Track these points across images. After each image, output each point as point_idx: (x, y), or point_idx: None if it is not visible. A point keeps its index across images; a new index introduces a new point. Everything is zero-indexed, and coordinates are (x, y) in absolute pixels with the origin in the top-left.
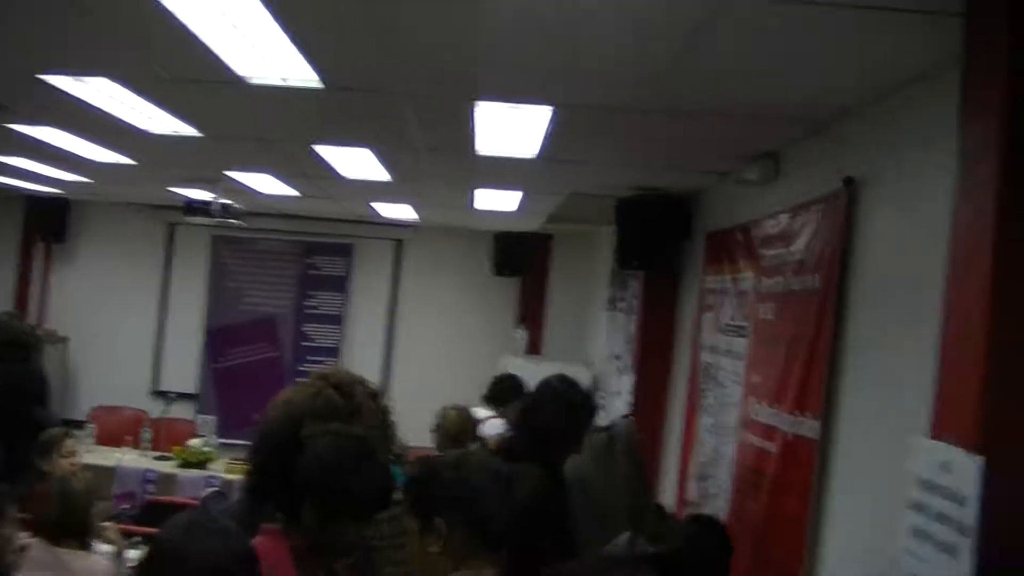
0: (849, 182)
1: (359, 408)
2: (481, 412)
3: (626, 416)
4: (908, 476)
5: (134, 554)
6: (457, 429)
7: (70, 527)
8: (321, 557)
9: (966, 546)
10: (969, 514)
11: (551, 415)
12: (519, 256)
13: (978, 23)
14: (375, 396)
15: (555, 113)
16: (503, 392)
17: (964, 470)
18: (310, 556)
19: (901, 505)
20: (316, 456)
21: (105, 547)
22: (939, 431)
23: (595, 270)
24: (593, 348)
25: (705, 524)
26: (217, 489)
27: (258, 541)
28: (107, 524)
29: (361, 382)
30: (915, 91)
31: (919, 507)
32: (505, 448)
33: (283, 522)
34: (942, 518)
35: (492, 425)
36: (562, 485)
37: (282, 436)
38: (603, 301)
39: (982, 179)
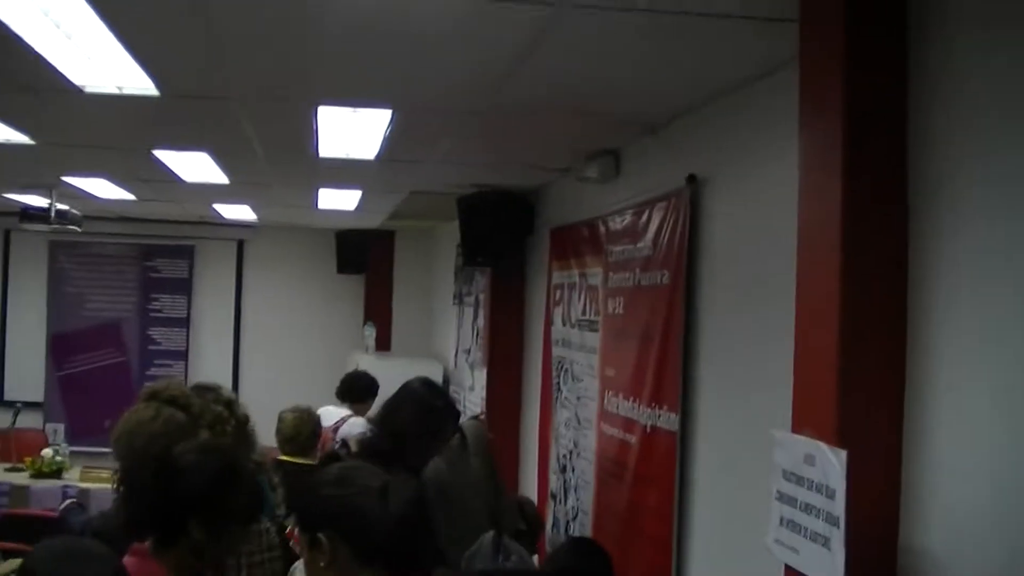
0: (692, 179)
1: (200, 417)
2: (335, 411)
3: (475, 417)
4: (773, 468)
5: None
6: (293, 432)
7: None
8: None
9: (837, 537)
10: (838, 506)
11: (410, 417)
12: (362, 253)
13: (812, 29)
14: (230, 404)
15: (394, 116)
16: (355, 390)
17: (828, 463)
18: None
19: (766, 495)
20: (196, 472)
21: None
22: (800, 425)
23: (439, 265)
24: (442, 343)
25: (585, 552)
26: (75, 501)
27: (129, 562)
28: None
29: (214, 389)
30: (752, 90)
31: (786, 499)
32: (366, 449)
33: (156, 542)
34: (810, 509)
35: (353, 424)
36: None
37: (139, 470)
38: (449, 296)
39: (824, 179)
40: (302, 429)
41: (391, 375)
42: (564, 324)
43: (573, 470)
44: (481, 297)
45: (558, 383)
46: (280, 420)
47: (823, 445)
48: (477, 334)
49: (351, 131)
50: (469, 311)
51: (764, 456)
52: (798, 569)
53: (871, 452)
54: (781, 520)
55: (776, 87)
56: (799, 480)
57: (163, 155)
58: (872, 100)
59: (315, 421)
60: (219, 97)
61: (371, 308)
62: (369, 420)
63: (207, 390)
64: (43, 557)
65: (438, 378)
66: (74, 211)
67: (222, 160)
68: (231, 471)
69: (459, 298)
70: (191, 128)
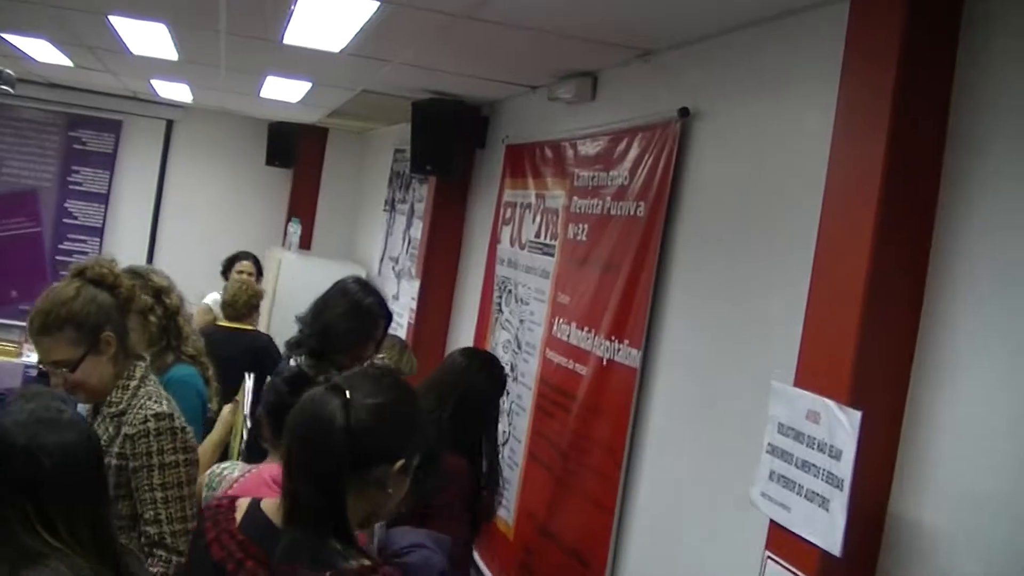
0: (684, 112)
1: (130, 301)
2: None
3: (403, 345)
4: (769, 420)
5: None
6: (231, 298)
7: None
8: None
9: (839, 499)
10: (844, 467)
11: (340, 313)
12: (293, 148)
13: None
14: (159, 292)
15: (380, 8)
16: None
17: (836, 422)
18: None
19: (729, 442)
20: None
21: None
22: (805, 380)
23: (372, 169)
24: (366, 248)
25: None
26: None
27: None
28: None
29: (142, 275)
30: (761, 29)
31: (780, 453)
32: (295, 344)
33: None
34: (808, 467)
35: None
36: None
37: None
38: (380, 202)
39: (866, 129)
40: (239, 296)
41: (313, 275)
42: (512, 244)
43: (507, 394)
44: (418, 206)
45: (499, 303)
46: (224, 289)
47: (832, 403)
48: (409, 243)
49: (326, 20)
50: (401, 219)
51: (733, 404)
52: (787, 527)
53: (877, 415)
54: (771, 474)
55: (790, 28)
56: (798, 436)
57: (118, 21)
58: (925, 52)
59: (255, 292)
60: None
61: (296, 205)
62: (299, 317)
63: (135, 275)
64: (7, 425)
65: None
66: (8, 71)
67: (178, 34)
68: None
69: (391, 204)
70: None
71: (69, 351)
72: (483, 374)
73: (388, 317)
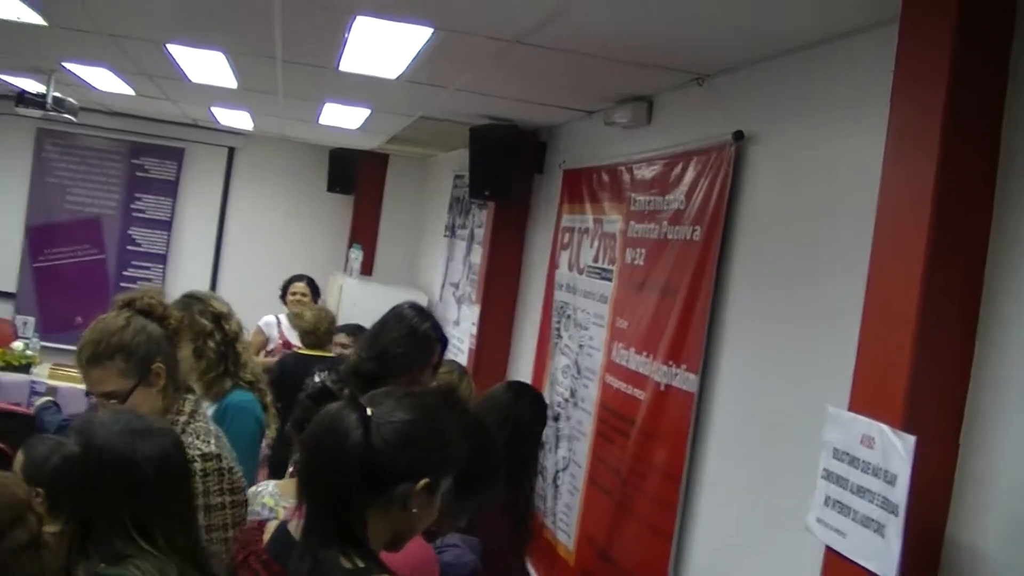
0: (739, 135)
1: (179, 333)
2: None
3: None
4: (824, 445)
5: None
6: (311, 326)
7: None
8: None
9: (895, 524)
10: (899, 492)
11: (395, 338)
12: (354, 174)
13: None
14: (219, 318)
15: (434, 35)
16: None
17: (891, 447)
18: None
19: (789, 468)
20: None
21: None
22: (860, 404)
23: (432, 195)
24: (428, 274)
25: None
26: (51, 400)
27: None
28: None
29: (203, 300)
30: (814, 52)
31: (835, 478)
32: (351, 370)
33: None
34: (863, 492)
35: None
36: None
37: None
38: (440, 227)
39: (917, 152)
40: (320, 324)
41: (374, 301)
42: (571, 269)
43: (568, 419)
44: (477, 232)
45: (558, 328)
46: (300, 316)
47: (886, 428)
48: (469, 269)
49: (382, 47)
50: (462, 244)
51: (792, 427)
52: (843, 553)
53: (931, 440)
54: (827, 500)
55: (843, 51)
56: (853, 461)
57: (176, 50)
58: (976, 73)
59: (331, 319)
60: None
61: (357, 230)
62: (356, 343)
63: (196, 300)
64: (104, 435)
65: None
66: (71, 100)
67: (236, 62)
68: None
69: (451, 230)
70: (217, 24)
71: (119, 382)
72: (531, 409)
73: (444, 342)
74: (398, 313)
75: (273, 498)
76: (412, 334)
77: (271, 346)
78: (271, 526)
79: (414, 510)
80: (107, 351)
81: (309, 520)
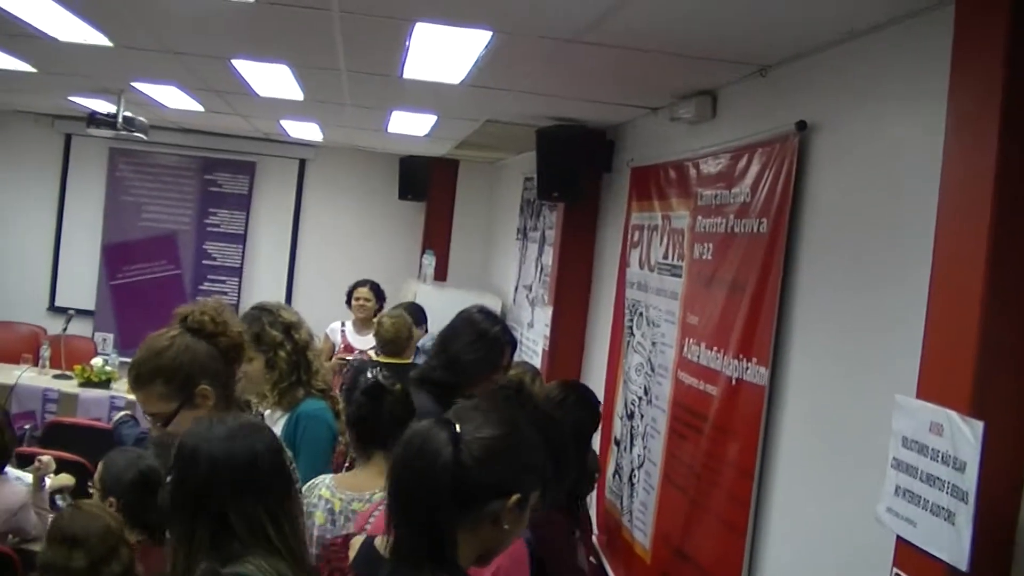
0: (801, 125)
1: (231, 350)
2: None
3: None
4: (893, 434)
5: (53, 481)
6: (392, 335)
7: None
8: None
9: (965, 512)
10: (968, 480)
11: (466, 343)
12: (424, 181)
13: None
14: (289, 328)
15: (493, 38)
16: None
17: (960, 434)
18: None
19: (861, 459)
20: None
21: (17, 472)
22: (928, 391)
23: (503, 199)
24: (501, 277)
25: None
26: (129, 414)
27: None
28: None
29: (272, 311)
30: (874, 38)
31: (905, 467)
32: (422, 377)
33: None
34: (933, 480)
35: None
36: None
37: None
38: (512, 231)
39: (978, 134)
40: (400, 332)
41: (449, 305)
42: (642, 267)
43: (642, 417)
44: (548, 233)
45: (631, 327)
46: (379, 324)
47: (955, 415)
48: (541, 271)
49: (442, 53)
50: (533, 247)
51: (862, 419)
52: (914, 542)
53: (1001, 426)
54: (897, 489)
55: (903, 35)
56: (922, 449)
57: (241, 65)
58: None
59: (410, 325)
60: (318, 8)
61: (430, 236)
62: (425, 349)
63: (265, 311)
64: (208, 440)
65: (496, 311)
66: (141, 118)
67: (301, 74)
68: None
69: (523, 233)
70: (278, 38)
71: (161, 405)
72: (575, 410)
73: (513, 344)
74: (467, 318)
75: (330, 490)
76: (482, 338)
77: (336, 351)
78: (356, 542)
79: (505, 526)
80: (147, 374)
81: (398, 540)
